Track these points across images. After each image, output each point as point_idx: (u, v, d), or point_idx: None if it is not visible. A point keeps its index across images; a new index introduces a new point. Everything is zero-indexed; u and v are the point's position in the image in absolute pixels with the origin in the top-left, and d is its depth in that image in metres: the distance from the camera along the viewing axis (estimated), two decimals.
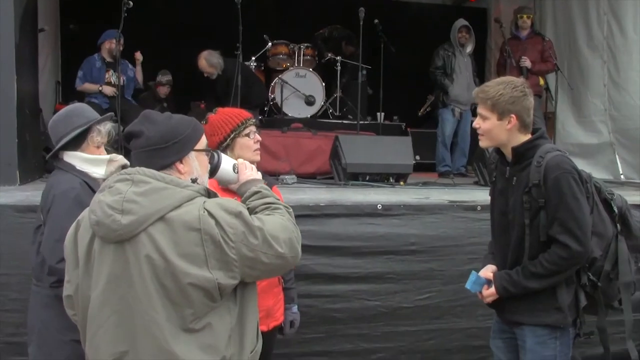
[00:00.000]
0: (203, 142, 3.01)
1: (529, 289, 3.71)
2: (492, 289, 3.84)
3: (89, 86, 8.97)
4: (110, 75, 9.00)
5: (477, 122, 3.78)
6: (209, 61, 8.92)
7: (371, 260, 5.62)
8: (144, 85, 10.03)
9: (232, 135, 3.95)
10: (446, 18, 10.30)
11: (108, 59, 9.03)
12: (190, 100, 11.02)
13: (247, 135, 3.97)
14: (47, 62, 10.48)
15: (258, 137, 4.03)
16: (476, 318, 5.73)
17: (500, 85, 3.72)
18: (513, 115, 3.67)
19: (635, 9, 9.29)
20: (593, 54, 10.14)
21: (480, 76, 11.36)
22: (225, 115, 4.03)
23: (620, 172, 9.49)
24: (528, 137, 3.74)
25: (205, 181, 3.02)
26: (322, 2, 12.66)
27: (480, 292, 3.93)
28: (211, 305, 2.73)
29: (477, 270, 3.96)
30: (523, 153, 3.73)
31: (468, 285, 3.93)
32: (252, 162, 3.98)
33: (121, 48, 8.44)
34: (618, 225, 3.86)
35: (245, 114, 4.08)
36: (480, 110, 3.75)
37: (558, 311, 3.75)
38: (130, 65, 9.29)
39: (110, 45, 8.91)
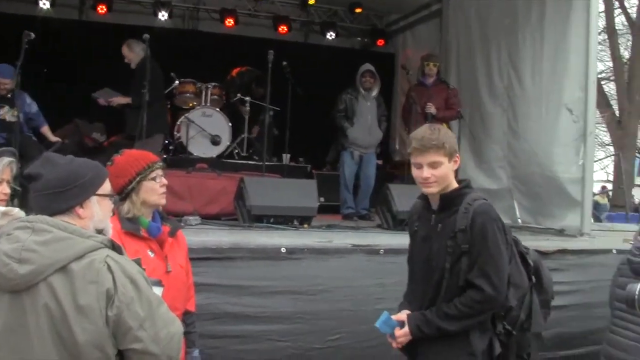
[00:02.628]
0: (107, 187, 2.97)
1: (442, 330, 3.72)
2: (406, 329, 3.82)
3: None
4: (6, 112, 8.54)
5: (428, 172, 3.72)
6: (130, 46, 8.92)
7: (279, 300, 5.57)
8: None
9: (137, 179, 3.89)
10: (354, 62, 10.44)
11: (3, 94, 8.58)
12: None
13: (154, 179, 3.93)
14: None
15: (164, 181, 3.99)
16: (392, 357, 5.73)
17: (441, 130, 3.77)
18: (457, 155, 3.79)
19: (534, 61, 9.65)
20: (494, 102, 10.48)
21: (387, 119, 11.60)
22: (131, 157, 3.98)
23: (518, 217, 9.78)
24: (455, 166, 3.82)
25: (107, 226, 2.98)
26: (231, 42, 12.75)
27: (391, 335, 3.90)
28: None
29: (390, 313, 3.96)
30: (452, 200, 3.77)
31: (378, 324, 3.89)
32: (157, 206, 3.97)
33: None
34: (533, 277, 3.94)
35: (151, 156, 4.04)
36: (433, 158, 3.70)
37: (471, 356, 3.76)
38: (28, 100, 8.88)
39: (6, 84, 8.46)
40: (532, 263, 3.96)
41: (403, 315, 3.90)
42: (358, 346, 5.70)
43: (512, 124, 10.05)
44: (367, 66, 10.07)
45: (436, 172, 3.72)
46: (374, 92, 10.04)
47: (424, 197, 3.91)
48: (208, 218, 7.80)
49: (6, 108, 8.54)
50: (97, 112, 9.74)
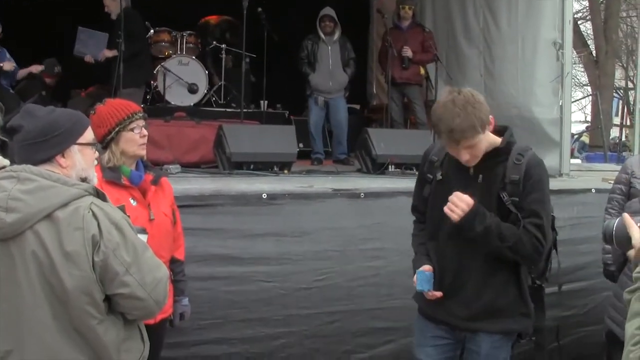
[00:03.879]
0: (88, 135, 3.00)
1: (497, 233, 3.50)
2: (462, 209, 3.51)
3: None
4: None
5: (466, 155, 3.53)
6: None
7: (263, 243, 5.58)
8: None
9: (117, 129, 3.91)
10: (329, 5, 10.34)
11: None
12: (70, 88, 10.76)
13: (132, 129, 3.93)
14: None
15: (145, 132, 3.99)
16: (379, 298, 5.76)
17: (467, 108, 3.41)
18: (491, 116, 3.53)
19: (510, 2, 9.65)
20: (470, 45, 10.47)
21: (363, 64, 11.57)
22: (112, 107, 3.99)
23: None
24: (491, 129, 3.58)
25: (91, 174, 3.02)
26: None
27: (428, 290, 3.70)
28: (97, 317, 2.75)
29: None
30: (498, 152, 3.61)
31: (419, 287, 3.70)
32: (137, 157, 3.99)
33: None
34: (555, 229, 3.85)
35: (133, 106, 4.05)
36: (468, 143, 3.48)
37: (526, 317, 3.71)
38: (7, 55, 8.89)
39: None
40: (554, 215, 3.84)
41: (430, 266, 3.73)
42: (345, 285, 5.75)
43: (489, 65, 10.07)
44: (326, 10, 10.03)
45: (474, 151, 3.54)
46: (335, 36, 9.99)
47: None
48: (188, 166, 7.80)
49: None
50: (75, 60, 9.61)
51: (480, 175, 3.63)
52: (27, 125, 2.85)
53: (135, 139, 3.94)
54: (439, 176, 3.75)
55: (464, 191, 3.56)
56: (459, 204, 3.51)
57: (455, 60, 10.70)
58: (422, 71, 10.21)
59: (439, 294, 3.70)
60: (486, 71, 10.12)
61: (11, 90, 9.01)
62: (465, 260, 3.68)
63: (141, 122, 3.99)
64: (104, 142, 3.91)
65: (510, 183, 3.54)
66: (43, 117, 2.89)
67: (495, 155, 3.61)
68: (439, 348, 3.85)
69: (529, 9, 9.27)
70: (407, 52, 9.82)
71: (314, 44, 9.89)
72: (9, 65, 8.61)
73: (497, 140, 3.65)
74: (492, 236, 3.51)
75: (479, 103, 3.47)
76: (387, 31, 10.08)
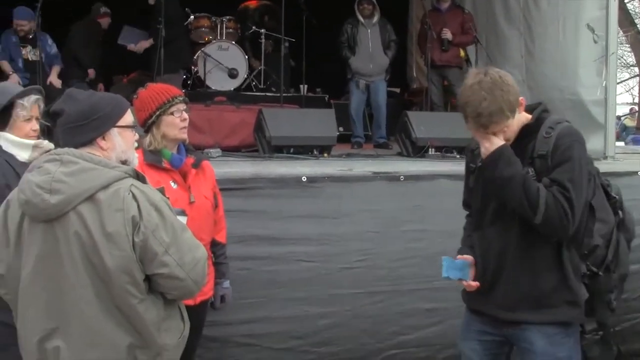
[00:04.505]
0: (127, 118, 3.06)
1: (522, 182, 3.26)
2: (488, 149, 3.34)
3: (4, 65, 8.78)
4: (28, 52, 8.81)
5: (500, 139, 3.33)
6: None
7: (304, 224, 5.59)
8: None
9: (157, 113, 3.94)
10: None
11: (21, 36, 8.80)
12: (112, 74, 10.91)
13: (173, 113, 3.95)
14: None
15: (185, 116, 4.01)
16: (423, 279, 5.70)
17: (494, 92, 3.22)
18: (520, 99, 3.31)
19: None
20: (510, 26, 10.34)
21: (402, 47, 11.51)
22: (153, 91, 4.02)
23: None
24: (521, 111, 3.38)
25: (131, 157, 3.08)
26: None
27: (460, 279, 3.54)
28: (137, 296, 2.81)
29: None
30: (529, 129, 3.39)
31: (445, 273, 3.52)
32: (178, 140, 4.04)
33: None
34: (620, 212, 3.56)
35: (174, 90, 4.07)
36: (496, 128, 3.28)
37: (573, 306, 3.41)
38: (49, 40, 9.05)
39: (23, 26, 8.67)
40: (616, 197, 3.57)
41: (469, 256, 3.55)
42: (387, 266, 5.72)
43: (530, 46, 9.91)
44: None
45: (506, 134, 3.34)
46: (375, 19, 9.95)
47: None
48: (228, 150, 7.87)
49: (28, 48, 8.81)
50: (118, 49, 9.75)
51: None
52: (69, 109, 2.92)
53: (176, 123, 3.97)
54: (478, 163, 3.54)
55: None
56: (485, 142, 3.35)
57: (495, 41, 10.57)
58: (462, 53, 10.16)
59: (474, 284, 3.51)
60: (527, 52, 9.99)
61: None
62: (504, 245, 3.45)
63: (182, 106, 4.01)
64: (146, 126, 3.96)
65: (539, 157, 3.31)
66: (83, 100, 2.96)
67: (527, 134, 3.40)
68: (485, 344, 3.65)
69: None
70: (447, 34, 9.79)
71: (354, 28, 9.85)
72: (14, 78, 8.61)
73: (529, 118, 3.45)
74: (517, 185, 3.26)
75: (507, 85, 3.25)
76: (426, 13, 10.05)
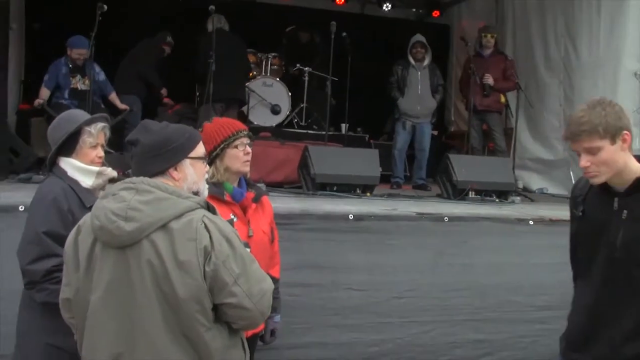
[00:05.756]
0: (199, 150, 3.15)
1: None
2: None
3: (43, 92, 8.97)
4: (77, 81, 9.01)
5: (586, 160, 3.17)
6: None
7: (352, 254, 5.71)
8: None
9: (222, 146, 4.02)
10: (410, 33, 10.47)
11: (73, 65, 9.00)
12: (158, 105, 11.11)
13: (237, 146, 4.05)
14: (12, 60, 10.37)
15: (248, 150, 4.10)
16: (474, 310, 5.80)
17: (595, 107, 3.15)
18: (626, 132, 3.17)
19: (590, 30, 9.62)
20: (550, 73, 10.48)
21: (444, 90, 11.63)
22: (218, 124, 4.12)
23: None
24: (634, 159, 3.23)
25: (202, 188, 3.16)
26: (290, 13, 12.88)
27: None
28: (205, 324, 2.86)
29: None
30: None
31: None
32: (240, 173, 4.12)
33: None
34: None
35: (238, 125, 4.16)
36: (587, 144, 3.14)
37: None
38: (97, 69, 9.20)
39: (76, 54, 8.89)
40: None
41: None
42: (437, 296, 5.81)
43: (569, 94, 10.06)
44: (418, 37, 10.19)
45: (595, 158, 3.14)
46: (425, 62, 10.13)
47: None
48: (272, 185, 7.95)
49: (78, 77, 9.01)
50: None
51: (625, 211, 3.21)
52: (144, 139, 3.01)
53: (239, 156, 4.06)
54: (579, 212, 3.42)
55: (606, 227, 3.25)
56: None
57: (535, 88, 10.69)
58: (503, 99, 10.24)
59: None
60: (566, 100, 10.09)
61: (102, 105, 9.31)
62: (618, 302, 3.23)
63: (246, 140, 4.10)
64: (210, 158, 4.00)
65: None
66: (158, 132, 3.05)
67: None
68: None
69: (610, 39, 9.22)
70: (489, 79, 9.89)
71: (404, 69, 10.02)
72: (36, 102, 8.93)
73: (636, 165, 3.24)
74: None
75: (612, 107, 3.17)
76: (469, 58, 10.14)
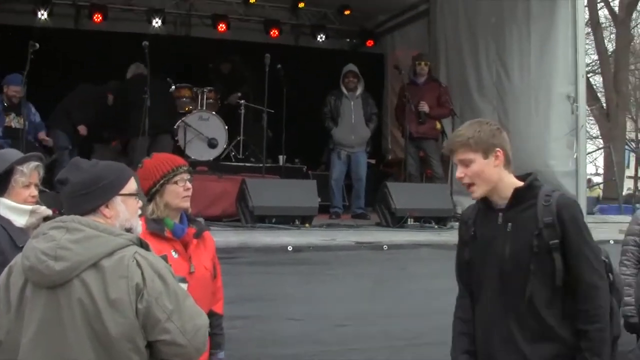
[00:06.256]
0: (131, 186, 3.09)
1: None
2: None
3: None
4: (12, 119, 8.90)
5: (461, 171, 3.37)
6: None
7: (291, 283, 5.77)
8: None
9: (161, 182, 3.97)
10: (344, 62, 10.54)
11: (9, 103, 8.91)
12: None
13: (176, 182, 3.99)
14: None
15: (189, 185, 4.05)
16: (415, 336, 5.83)
17: (473, 125, 3.39)
18: (499, 149, 3.34)
19: (521, 56, 9.85)
20: (484, 99, 10.67)
21: (378, 119, 11.73)
22: (158, 160, 4.06)
23: None
24: (512, 176, 3.40)
25: (135, 224, 3.11)
26: (224, 47, 12.94)
27: None
28: None
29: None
30: (524, 194, 3.36)
31: None
32: (180, 209, 4.08)
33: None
34: (610, 275, 3.51)
35: (177, 160, 4.12)
36: (461, 156, 3.36)
37: None
38: (33, 110, 9.15)
39: (12, 92, 8.81)
40: (606, 260, 3.52)
41: None
42: (377, 323, 5.84)
43: (503, 120, 10.16)
44: (350, 67, 10.25)
45: (468, 170, 3.34)
46: (358, 92, 10.17)
47: (483, 197, 3.44)
48: (210, 219, 7.90)
49: (12, 115, 8.92)
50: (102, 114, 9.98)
51: (510, 224, 3.35)
52: (73, 178, 2.96)
53: (179, 192, 4.00)
54: (471, 232, 3.52)
55: (494, 242, 3.38)
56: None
57: (470, 114, 10.70)
58: (438, 126, 10.34)
59: None
60: (500, 125, 10.19)
61: (36, 144, 9.18)
62: (512, 322, 3.35)
63: (186, 176, 4.05)
64: (149, 195, 3.98)
65: (547, 227, 3.26)
66: (87, 170, 3.00)
67: (521, 200, 3.36)
68: None
69: (541, 64, 9.44)
70: (424, 107, 9.98)
71: (337, 99, 10.05)
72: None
73: (519, 183, 3.42)
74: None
75: (488, 125, 3.41)
76: (403, 86, 10.25)
